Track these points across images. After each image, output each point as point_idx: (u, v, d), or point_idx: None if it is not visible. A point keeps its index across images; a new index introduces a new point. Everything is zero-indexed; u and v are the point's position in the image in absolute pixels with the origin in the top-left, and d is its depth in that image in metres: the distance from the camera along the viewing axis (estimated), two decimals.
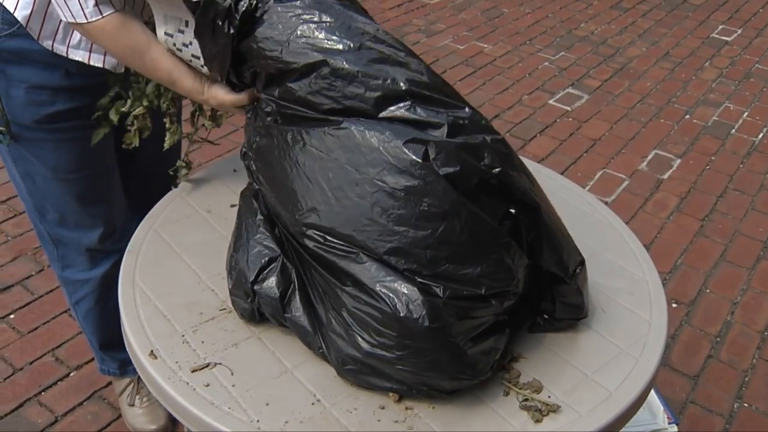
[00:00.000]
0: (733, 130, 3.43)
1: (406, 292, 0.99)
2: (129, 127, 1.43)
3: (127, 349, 1.14)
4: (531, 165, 1.63)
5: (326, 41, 1.08)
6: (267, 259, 1.11)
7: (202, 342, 1.11)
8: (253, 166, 1.16)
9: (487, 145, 1.04)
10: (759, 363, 2.24)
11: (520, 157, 1.14)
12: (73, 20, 1.21)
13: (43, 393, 1.95)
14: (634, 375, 1.12)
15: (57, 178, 1.50)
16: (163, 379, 1.05)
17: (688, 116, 3.52)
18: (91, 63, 1.35)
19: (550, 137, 3.27)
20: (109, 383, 1.97)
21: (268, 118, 1.13)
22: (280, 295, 1.08)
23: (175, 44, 1.22)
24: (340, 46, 1.07)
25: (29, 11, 1.28)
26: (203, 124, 1.45)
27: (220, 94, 1.23)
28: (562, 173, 3.02)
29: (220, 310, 1.17)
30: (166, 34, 1.22)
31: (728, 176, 3.09)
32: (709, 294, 2.48)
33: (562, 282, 1.14)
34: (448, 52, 4.00)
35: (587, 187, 2.94)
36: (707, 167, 3.14)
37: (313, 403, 1.03)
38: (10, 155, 1.49)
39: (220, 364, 1.08)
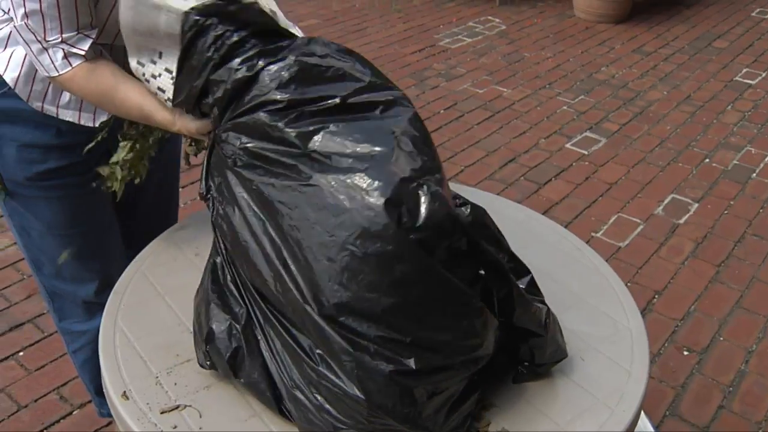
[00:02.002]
0: (754, 174, 3.38)
1: (375, 372, 0.97)
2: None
3: (104, 390, 1.15)
4: (521, 210, 1.64)
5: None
6: (222, 317, 1.11)
7: (175, 384, 1.13)
8: (217, 210, 1.16)
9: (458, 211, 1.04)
10: None
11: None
12: (46, 74, 1.26)
13: (45, 431, 1.98)
14: (608, 426, 1.10)
15: (51, 233, 1.52)
16: (132, 421, 1.06)
17: (707, 160, 3.48)
18: (82, 122, 1.39)
19: (566, 181, 3.26)
20: (110, 422, 1.99)
21: (229, 160, 1.13)
22: (229, 357, 1.08)
23: (144, 74, 1.24)
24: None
25: (17, 73, 1.33)
26: (186, 151, 1.47)
27: (188, 122, 1.24)
28: (575, 217, 3.00)
29: None
30: (138, 63, 1.24)
31: (747, 221, 3.04)
32: (723, 342, 2.42)
33: (536, 335, 1.13)
34: (467, 96, 4.04)
35: (600, 232, 2.92)
36: (725, 212, 3.09)
37: None
38: (6, 209, 1.53)
39: (189, 406, 1.09)
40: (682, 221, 3.02)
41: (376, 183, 0.99)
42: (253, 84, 1.13)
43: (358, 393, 0.98)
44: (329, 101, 1.10)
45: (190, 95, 1.19)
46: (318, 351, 1.02)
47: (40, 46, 1.23)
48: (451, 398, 1.03)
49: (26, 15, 1.20)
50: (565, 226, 2.92)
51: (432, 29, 4.99)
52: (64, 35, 1.22)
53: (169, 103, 1.25)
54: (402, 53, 4.58)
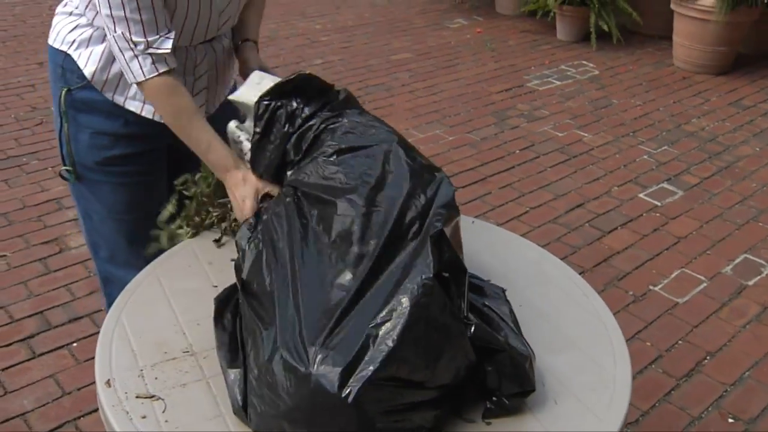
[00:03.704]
0: None
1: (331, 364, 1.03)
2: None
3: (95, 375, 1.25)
4: (535, 249, 1.63)
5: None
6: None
7: (156, 378, 1.20)
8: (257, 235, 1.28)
9: None
10: None
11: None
12: (134, 80, 1.44)
13: (82, 418, 2.12)
14: None
15: (111, 217, 1.69)
16: (108, 407, 1.14)
17: None
18: (143, 114, 1.57)
19: (632, 231, 3.18)
20: None
21: (287, 198, 1.29)
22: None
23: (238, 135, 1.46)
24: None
25: (95, 67, 1.53)
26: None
27: (253, 178, 1.42)
28: (635, 269, 2.92)
29: (184, 352, 1.26)
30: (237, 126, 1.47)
31: None
32: None
33: (497, 351, 1.14)
34: (546, 138, 4.01)
35: (659, 286, 2.82)
36: None
37: None
38: (74, 194, 1.72)
39: (162, 399, 1.16)
40: (751, 283, 2.87)
41: None
42: (317, 142, 1.34)
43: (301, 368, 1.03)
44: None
45: (270, 166, 1.38)
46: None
47: (132, 54, 1.41)
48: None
49: (114, 23, 1.39)
50: (622, 277, 2.86)
51: (523, 70, 5.00)
52: (148, 38, 1.40)
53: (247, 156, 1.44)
54: (488, 91, 4.61)
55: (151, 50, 1.41)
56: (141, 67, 1.42)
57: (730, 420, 2.25)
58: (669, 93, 4.69)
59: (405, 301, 1.06)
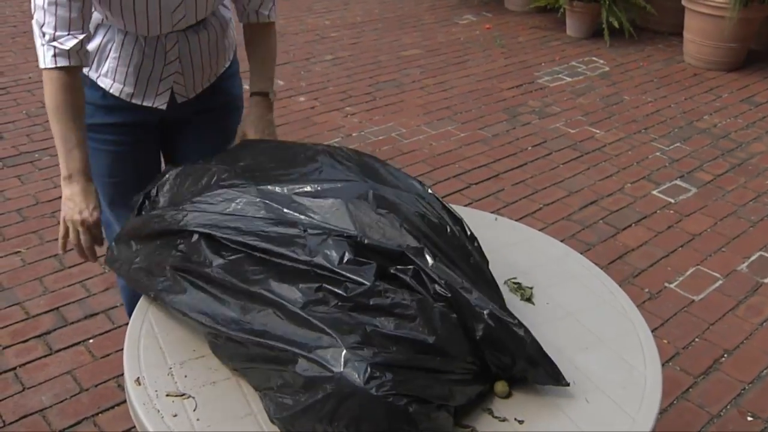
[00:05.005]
0: None
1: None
2: None
3: (124, 374, 1.24)
4: (559, 247, 1.62)
5: None
6: None
7: (185, 376, 1.20)
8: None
9: None
10: None
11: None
12: (40, 65, 1.48)
13: (100, 414, 2.12)
14: None
15: (97, 179, 1.70)
16: (139, 405, 1.14)
17: None
18: (111, 91, 1.67)
19: (646, 228, 3.17)
20: None
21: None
22: None
23: None
24: None
25: None
26: None
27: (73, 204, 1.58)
28: (650, 266, 2.91)
29: None
30: None
31: None
32: None
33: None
34: (558, 134, 4.00)
35: (674, 283, 2.81)
36: None
37: None
38: None
39: (193, 397, 1.16)
40: (766, 280, 2.86)
41: None
42: None
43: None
44: None
45: None
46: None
47: (41, 42, 1.47)
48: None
49: (34, 8, 1.45)
50: (637, 274, 2.85)
51: (533, 66, 4.98)
52: (56, 33, 1.45)
53: None
54: (499, 88, 4.59)
55: (54, 43, 1.46)
56: (44, 56, 1.48)
57: (749, 418, 2.24)
58: (680, 89, 4.67)
59: (387, 319, 1.12)
